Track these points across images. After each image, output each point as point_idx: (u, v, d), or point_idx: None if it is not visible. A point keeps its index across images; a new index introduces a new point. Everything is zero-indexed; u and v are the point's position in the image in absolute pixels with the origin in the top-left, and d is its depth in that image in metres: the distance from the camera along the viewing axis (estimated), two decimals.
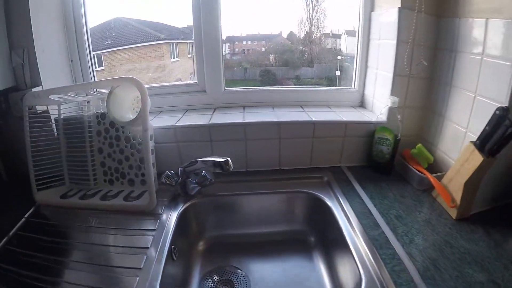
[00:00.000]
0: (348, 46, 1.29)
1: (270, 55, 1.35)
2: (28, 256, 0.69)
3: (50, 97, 0.88)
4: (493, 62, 0.77)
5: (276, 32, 1.34)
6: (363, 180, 1.00)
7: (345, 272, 0.78)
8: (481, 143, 0.75)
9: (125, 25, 1.25)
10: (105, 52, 1.23)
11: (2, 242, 0.72)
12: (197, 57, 1.14)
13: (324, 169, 1.06)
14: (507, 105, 0.72)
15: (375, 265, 0.66)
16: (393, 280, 0.61)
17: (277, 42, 1.35)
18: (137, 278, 0.63)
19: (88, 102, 0.94)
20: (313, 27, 1.27)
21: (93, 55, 1.15)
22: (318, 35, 1.30)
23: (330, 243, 0.89)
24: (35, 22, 0.91)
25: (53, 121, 0.95)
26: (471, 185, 0.77)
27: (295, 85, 1.33)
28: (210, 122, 1.01)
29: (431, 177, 0.89)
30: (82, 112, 0.95)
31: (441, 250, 0.69)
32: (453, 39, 0.90)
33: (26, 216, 0.83)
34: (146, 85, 0.82)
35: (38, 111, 0.91)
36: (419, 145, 0.98)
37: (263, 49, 1.36)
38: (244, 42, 1.33)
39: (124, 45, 1.25)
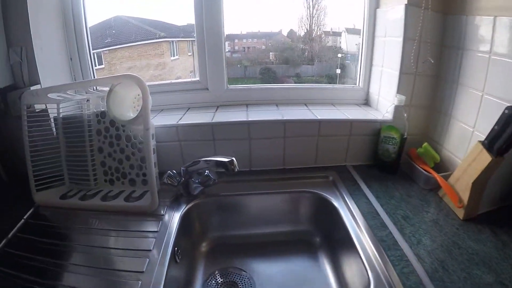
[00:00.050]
0: (349, 44, 1.29)
1: (270, 53, 1.34)
2: (27, 258, 0.67)
3: (49, 95, 0.86)
4: (501, 60, 0.76)
5: (276, 30, 1.33)
6: (369, 179, 0.99)
7: (352, 273, 0.76)
8: (490, 143, 0.74)
9: (125, 23, 1.24)
10: (105, 50, 1.22)
11: (1, 244, 0.71)
12: (199, 54, 1.13)
13: (329, 168, 1.05)
14: None
15: (383, 266, 0.65)
16: (402, 282, 0.60)
17: (277, 40, 1.35)
18: (140, 282, 0.61)
19: (87, 100, 0.92)
20: (313, 25, 1.27)
21: (93, 53, 1.14)
22: (318, 33, 1.29)
23: (336, 244, 0.87)
24: (33, 19, 0.89)
25: (52, 120, 0.94)
26: (478, 185, 0.76)
27: (295, 83, 1.33)
28: (213, 121, 1.00)
29: (438, 177, 0.88)
30: (82, 111, 0.93)
31: (449, 251, 0.68)
32: (460, 37, 0.89)
33: (25, 217, 0.81)
34: (147, 83, 0.80)
35: (37, 110, 0.90)
36: (426, 144, 0.96)
37: (263, 47, 1.35)
38: (244, 40, 1.33)
39: (124, 43, 1.24)
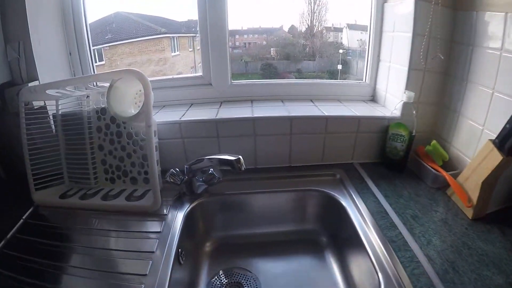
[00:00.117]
0: (350, 39, 1.28)
1: (271, 48, 1.34)
2: (26, 260, 0.65)
3: (47, 92, 0.84)
4: None
5: (277, 26, 1.32)
6: (377, 177, 0.97)
7: (361, 275, 0.75)
8: (501, 142, 0.72)
9: (125, 19, 1.23)
10: (106, 46, 1.21)
11: (0, 245, 0.69)
12: (202, 49, 1.10)
13: (336, 166, 1.03)
14: None
15: (393, 267, 0.63)
16: (413, 284, 0.59)
17: (278, 35, 1.34)
18: (143, 285, 0.59)
19: (87, 96, 0.90)
20: (314, 21, 1.26)
21: (94, 49, 1.12)
22: (319, 29, 1.29)
23: (344, 243, 0.86)
24: (31, 15, 0.87)
25: (51, 117, 0.91)
26: (488, 184, 0.75)
27: (296, 78, 1.32)
28: (217, 117, 0.98)
29: (447, 176, 0.87)
30: (81, 108, 0.90)
31: (459, 252, 0.67)
32: (470, 33, 0.87)
33: (24, 217, 0.79)
34: (149, 78, 0.78)
35: (35, 107, 0.87)
36: (434, 141, 0.95)
37: (264, 42, 1.35)
38: (245, 36, 1.32)
39: (124, 40, 1.23)
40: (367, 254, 0.69)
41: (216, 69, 1.12)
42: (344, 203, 0.86)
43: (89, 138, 0.89)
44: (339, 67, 1.32)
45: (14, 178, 0.92)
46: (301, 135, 1.00)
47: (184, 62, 1.35)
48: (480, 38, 0.84)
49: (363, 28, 1.21)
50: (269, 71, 1.33)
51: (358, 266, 0.77)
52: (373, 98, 1.21)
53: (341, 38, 1.31)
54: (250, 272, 0.84)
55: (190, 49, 1.30)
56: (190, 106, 1.11)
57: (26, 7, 0.85)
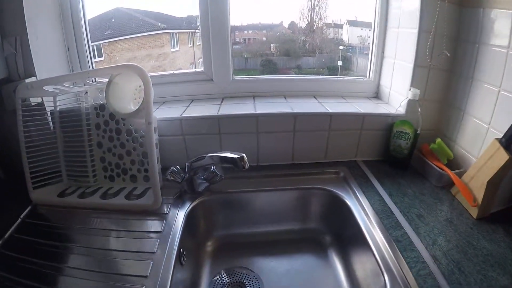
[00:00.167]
0: (350, 36, 1.28)
1: (271, 44, 1.33)
2: (24, 261, 0.63)
3: (45, 88, 0.82)
4: None
5: (277, 22, 1.32)
6: (381, 175, 0.96)
7: (365, 275, 0.73)
8: (507, 141, 0.72)
9: (125, 15, 1.22)
10: (105, 42, 1.20)
11: None
12: (203, 44, 1.08)
13: (339, 164, 1.02)
14: None
15: (400, 268, 0.62)
16: (419, 286, 0.58)
17: (278, 31, 1.33)
18: (143, 287, 0.57)
19: (86, 92, 0.88)
20: (314, 17, 1.25)
21: (93, 45, 1.10)
22: (319, 25, 1.28)
23: (348, 243, 0.84)
24: (28, 9, 0.85)
25: (48, 114, 0.89)
26: (493, 184, 0.75)
27: (296, 74, 1.31)
28: (219, 113, 0.96)
29: (452, 175, 0.86)
30: (80, 104, 0.88)
31: (464, 252, 0.66)
32: (476, 30, 0.86)
33: (22, 216, 0.78)
34: (149, 74, 0.76)
35: (33, 104, 0.85)
36: (439, 140, 0.94)
37: (264, 38, 1.34)
38: (245, 32, 1.31)
39: (124, 35, 1.22)
40: (372, 254, 0.68)
41: (217, 64, 1.10)
42: (348, 201, 0.85)
43: (87, 135, 0.87)
44: (339, 63, 1.31)
45: (11, 176, 0.90)
46: (304, 132, 0.99)
47: (184, 58, 1.34)
48: (486, 36, 0.83)
49: (363, 25, 1.21)
50: (269, 67, 1.32)
51: (362, 266, 0.75)
52: (376, 95, 1.20)
53: (341, 34, 1.31)
54: (252, 271, 0.83)
55: (189, 45, 1.29)
56: (191, 102, 1.09)
57: (23, 2, 0.83)
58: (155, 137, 0.81)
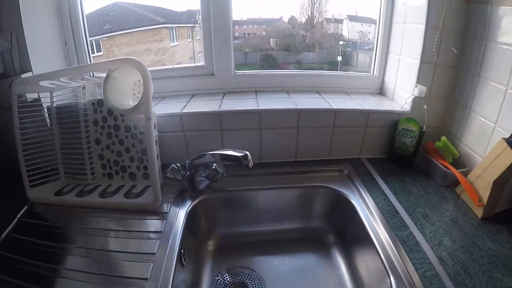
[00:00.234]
0: (350, 31, 1.27)
1: (271, 39, 1.32)
2: (21, 262, 0.61)
3: (41, 83, 0.80)
4: None
5: (277, 16, 1.30)
6: (385, 174, 0.95)
7: (370, 275, 0.72)
8: None
9: (124, 9, 1.20)
10: (104, 37, 1.18)
11: None
12: (204, 38, 1.06)
13: (343, 161, 1.00)
14: None
15: (406, 270, 0.61)
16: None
17: (278, 26, 1.32)
18: None
19: (83, 88, 0.86)
20: (315, 12, 1.24)
21: (92, 40, 1.09)
22: (319, 20, 1.27)
23: (352, 242, 0.83)
24: (24, 3, 0.83)
25: (45, 110, 0.87)
26: (499, 184, 0.74)
27: (296, 69, 1.30)
28: (220, 109, 0.94)
29: (457, 174, 0.85)
30: (77, 100, 0.86)
31: (469, 253, 0.66)
32: (484, 27, 0.84)
33: (18, 216, 0.76)
34: (148, 68, 0.73)
35: (29, 100, 0.83)
36: (444, 138, 0.92)
37: (264, 33, 1.33)
38: (245, 26, 1.30)
39: (123, 30, 1.20)
40: (377, 254, 0.67)
41: (219, 59, 1.08)
42: (352, 200, 0.84)
43: (85, 132, 0.85)
44: (339, 58, 1.31)
45: (7, 174, 0.88)
46: (308, 128, 0.97)
47: (183, 53, 1.32)
48: (494, 33, 0.81)
49: (364, 20, 1.21)
50: (268, 62, 1.31)
51: (366, 266, 0.74)
52: (381, 91, 1.18)
53: (341, 29, 1.30)
54: (255, 271, 0.82)
55: (189, 39, 1.28)
56: (192, 97, 1.07)
57: None
58: (154, 133, 0.79)
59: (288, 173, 0.95)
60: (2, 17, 0.82)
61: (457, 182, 0.85)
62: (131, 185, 0.85)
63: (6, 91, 0.81)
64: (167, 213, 0.77)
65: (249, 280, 0.79)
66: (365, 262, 0.75)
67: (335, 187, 0.89)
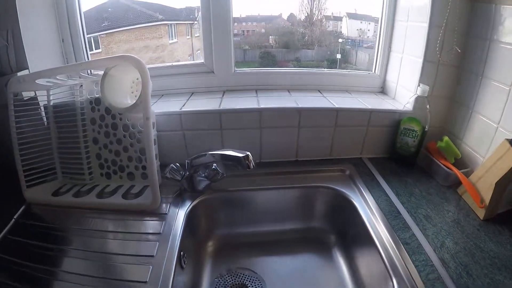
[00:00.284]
0: (349, 29, 1.26)
1: (270, 36, 1.32)
2: (18, 264, 0.60)
3: (37, 81, 0.78)
4: None
5: (276, 14, 1.30)
6: (387, 174, 0.94)
7: (371, 277, 0.72)
8: None
9: (122, 6, 1.19)
10: (102, 34, 1.17)
11: None
12: (204, 35, 1.05)
13: (344, 161, 0.99)
14: None
15: (408, 272, 0.61)
16: None
17: (277, 23, 1.32)
18: None
19: (80, 86, 0.85)
20: (314, 9, 1.24)
21: (90, 37, 1.07)
22: (319, 17, 1.26)
23: (354, 244, 0.82)
24: (21, 1, 0.81)
25: (42, 108, 0.86)
26: (501, 185, 0.73)
27: (295, 67, 1.30)
28: (220, 108, 0.93)
29: (460, 174, 0.84)
30: (74, 98, 0.85)
31: (472, 255, 0.65)
32: (488, 27, 0.83)
33: (15, 216, 0.75)
34: (146, 66, 0.72)
35: (25, 98, 0.82)
36: (446, 138, 0.91)
37: (263, 30, 1.32)
38: (244, 23, 1.29)
39: (121, 27, 1.19)
40: (379, 256, 0.66)
41: (218, 56, 1.07)
42: (354, 200, 0.83)
43: (82, 131, 0.84)
44: (338, 56, 1.30)
45: (4, 174, 0.87)
46: (309, 128, 0.96)
47: (182, 50, 1.32)
48: (498, 33, 0.81)
49: (363, 18, 1.20)
50: (267, 59, 1.31)
51: (368, 267, 0.74)
52: (382, 90, 1.17)
53: (341, 27, 1.29)
54: (255, 272, 0.81)
55: (188, 37, 1.27)
56: (191, 95, 1.06)
57: None
58: (153, 132, 0.78)
59: (288, 173, 0.94)
60: None
61: (459, 183, 0.84)
62: (130, 185, 0.83)
63: (2, 89, 0.79)
64: (166, 214, 0.76)
65: (249, 281, 0.78)
66: (366, 264, 0.75)
67: (336, 187, 0.88)
